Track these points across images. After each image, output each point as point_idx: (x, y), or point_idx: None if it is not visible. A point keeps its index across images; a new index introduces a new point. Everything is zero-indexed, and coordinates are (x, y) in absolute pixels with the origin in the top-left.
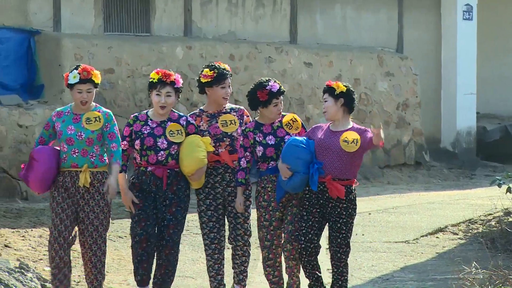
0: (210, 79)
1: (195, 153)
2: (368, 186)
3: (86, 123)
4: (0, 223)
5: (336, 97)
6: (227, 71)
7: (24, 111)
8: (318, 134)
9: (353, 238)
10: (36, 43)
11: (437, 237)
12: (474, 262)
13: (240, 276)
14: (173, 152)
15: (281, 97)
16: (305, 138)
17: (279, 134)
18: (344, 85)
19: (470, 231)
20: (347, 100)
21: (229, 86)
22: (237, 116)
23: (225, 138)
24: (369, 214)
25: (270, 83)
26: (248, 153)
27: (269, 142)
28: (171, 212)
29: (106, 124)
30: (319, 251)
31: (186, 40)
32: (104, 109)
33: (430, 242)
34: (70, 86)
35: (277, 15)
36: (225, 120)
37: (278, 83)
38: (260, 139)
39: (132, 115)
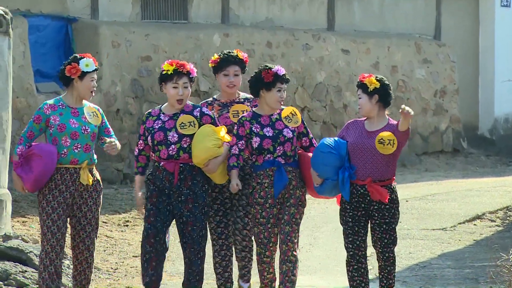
0: (214, 64)
1: (204, 142)
2: (406, 173)
3: (89, 118)
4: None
5: (370, 94)
6: (238, 59)
7: None
8: (352, 134)
9: (396, 225)
10: (74, 30)
11: (474, 225)
12: None
13: (242, 271)
14: (185, 146)
15: (285, 85)
16: (337, 139)
17: (277, 126)
18: (377, 80)
19: (508, 218)
20: (382, 95)
21: (235, 75)
22: (251, 107)
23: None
24: (407, 201)
25: (276, 66)
26: (242, 142)
27: (266, 133)
28: (188, 208)
29: (102, 120)
30: (366, 256)
31: (224, 28)
32: (93, 104)
33: (467, 229)
34: (83, 75)
35: (315, 2)
36: (237, 110)
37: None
38: (257, 130)
39: (146, 112)
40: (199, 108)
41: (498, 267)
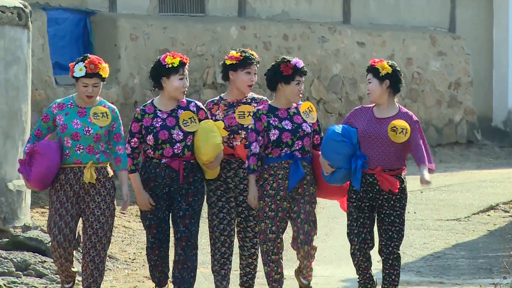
0: (235, 61)
1: (211, 139)
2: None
3: (95, 118)
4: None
5: (381, 79)
6: (255, 58)
7: None
8: (361, 121)
9: (405, 216)
10: (92, 23)
11: (488, 215)
12: None
13: (244, 278)
14: (189, 143)
15: (303, 78)
16: (345, 126)
17: (296, 120)
18: (389, 65)
19: None
20: (393, 81)
21: (255, 74)
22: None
23: (240, 131)
24: (421, 192)
25: (295, 59)
26: (260, 138)
27: (285, 126)
28: (188, 202)
29: (113, 124)
30: (372, 248)
31: (241, 21)
32: (109, 104)
33: (481, 220)
34: (75, 78)
35: None
36: (243, 111)
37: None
38: (276, 123)
39: (138, 109)
40: (194, 103)
41: None
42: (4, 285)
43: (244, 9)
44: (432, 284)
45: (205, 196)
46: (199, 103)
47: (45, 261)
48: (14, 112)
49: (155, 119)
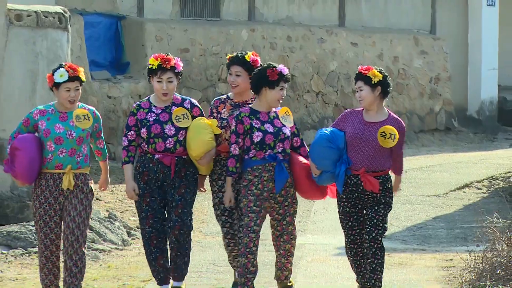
0: (227, 62)
1: (202, 135)
2: (405, 148)
3: (77, 121)
4: (93, 180)
5: (373, 86)
6: (243, 60)
7: (112, 85)
8: (350, 124)
9: (388, 213)
10: (123, 26)
11: (463, 192)
12: (496, 213)
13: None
14: (181, 139)
15: (287, 85)
16: (334, 129)
17: (276, 124)
18: (379, 72)
19: (492, 186)
20: (384, 87)
21: (237, 75)
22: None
23: None
24: (406, 172)
25: (280, 66)
26: (240, 140)
27: (268, 129)
28: (180, 193)
29: (95, 125)
30: (363, 248)
31: (250, 24)
32: (89, 107)
33: (457, 196)
34: (57, 85)
35: (328, 1)
36: None
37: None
38: (258, 125)
39: (134, 104)
40: (188, 100)
41: (484, 228)
42: None
43: (253, 14)
44: (415, 251)
45: (211, 195)
46: (194, 101)
47: None
48: None
49: (149, 114)
